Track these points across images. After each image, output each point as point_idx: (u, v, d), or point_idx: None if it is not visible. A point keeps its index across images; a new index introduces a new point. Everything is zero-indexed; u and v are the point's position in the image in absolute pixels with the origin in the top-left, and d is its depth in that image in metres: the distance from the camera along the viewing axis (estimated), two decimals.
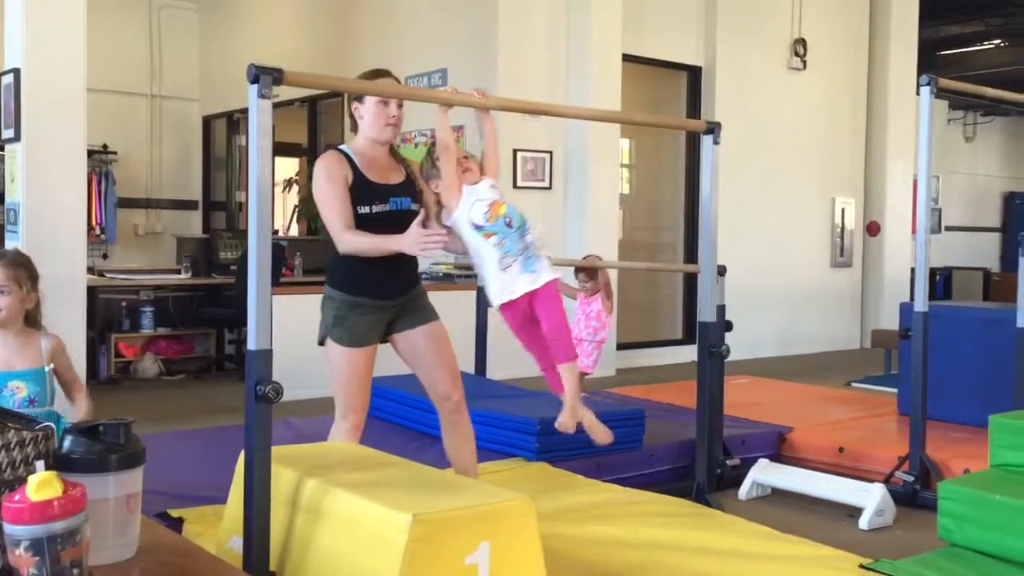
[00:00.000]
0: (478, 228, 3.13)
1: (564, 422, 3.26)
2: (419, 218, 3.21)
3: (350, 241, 3.18)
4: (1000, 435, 3.74)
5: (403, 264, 3.30)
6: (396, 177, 3.33)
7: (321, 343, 3.35)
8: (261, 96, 2.64)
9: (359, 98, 3.29)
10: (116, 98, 10.12)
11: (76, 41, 5.95)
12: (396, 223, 3.17)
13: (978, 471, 3.97)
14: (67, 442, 1.88)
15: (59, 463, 1.82)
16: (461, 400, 3.46)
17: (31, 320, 3.15)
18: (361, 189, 3.22)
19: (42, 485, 1.61)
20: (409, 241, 3.08)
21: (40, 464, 1.67)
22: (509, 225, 3.13)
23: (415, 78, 8.38)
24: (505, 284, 3.13)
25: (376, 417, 5.45)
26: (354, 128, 3.36)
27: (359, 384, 3.30)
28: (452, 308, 7.27)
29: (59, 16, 5.89)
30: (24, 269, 3.11)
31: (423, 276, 8.59)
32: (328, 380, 3.38)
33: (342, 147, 3.33)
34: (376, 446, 3.31)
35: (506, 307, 3.18)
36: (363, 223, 3.20)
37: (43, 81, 5.85)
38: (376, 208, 3.23)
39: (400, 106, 3.30)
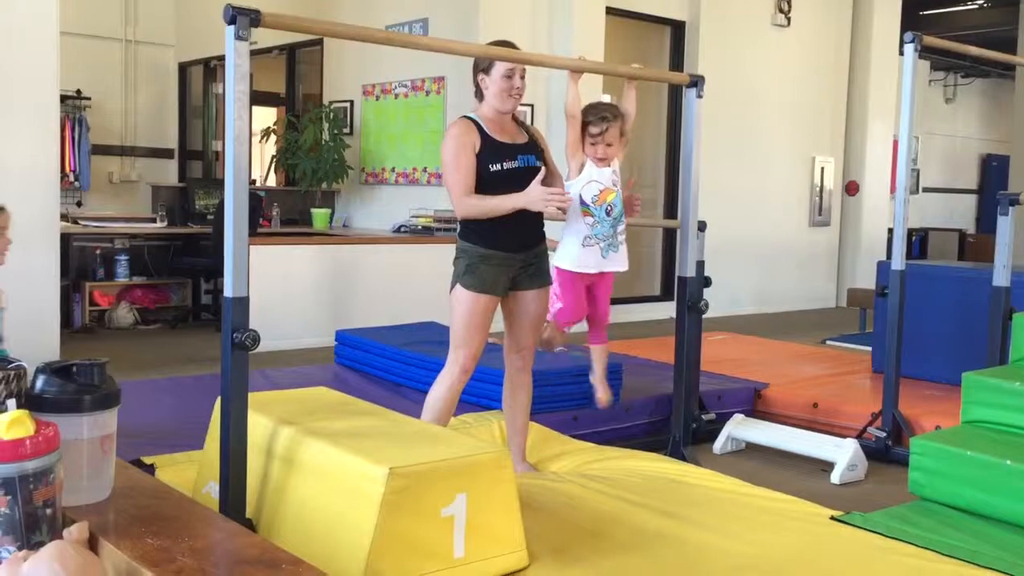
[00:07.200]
0: (583, 204, 3.52)
1: (601, 398, 3.86)
2: (540, 175, 3.36)
3: (469, 204, 3.35)
4: (973, 392, 3.79)
5: (529, 221, 3.44)
6: (522, 138, 3.51)
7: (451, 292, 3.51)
8: (238, 38, 2.59)
9: (485, 70, 3.43)
10: (90, 42, 9.90)
11: None
12: (523, 180, 3.36)
13: (949, 427, 4.02)
14: (40, 382, 1.86)
15: (32, 403, 1.79)
16: (531, 359, 3.68)
17: None
18: (490, 149, 3.39)
19: (13, 424, 1.59)
20: (534, 196, 3.28)
21: (12, 403, 1.65)
22: (608, 213, 3.53)
23: (396, 27, 8.27)
24: (580, 257, 3.55)
25: (349, 367, 5.46)
26: (478, 97, 3.50)
27: (476, 328, 3.43)
28: (431, 261, 7.29)
29: None
30: None
31: (402, 228, 8.49)
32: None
33: (471, 115, 3.48)
34: (351, 395, 3.30)
35: (569, 274, 3.59)
36: (494, 179, 3.37)
37: (15, 23, 5.72)
38: (507, 165, 3.40)
39: (523, 77, 3.44)
